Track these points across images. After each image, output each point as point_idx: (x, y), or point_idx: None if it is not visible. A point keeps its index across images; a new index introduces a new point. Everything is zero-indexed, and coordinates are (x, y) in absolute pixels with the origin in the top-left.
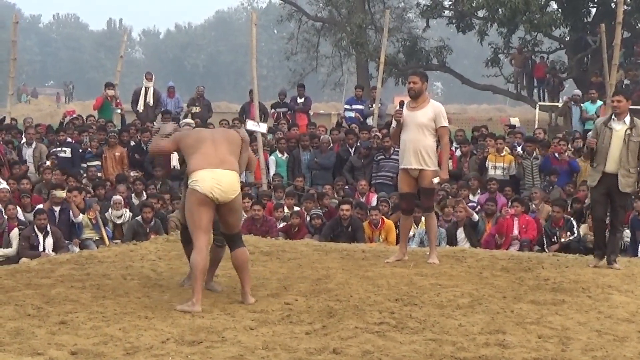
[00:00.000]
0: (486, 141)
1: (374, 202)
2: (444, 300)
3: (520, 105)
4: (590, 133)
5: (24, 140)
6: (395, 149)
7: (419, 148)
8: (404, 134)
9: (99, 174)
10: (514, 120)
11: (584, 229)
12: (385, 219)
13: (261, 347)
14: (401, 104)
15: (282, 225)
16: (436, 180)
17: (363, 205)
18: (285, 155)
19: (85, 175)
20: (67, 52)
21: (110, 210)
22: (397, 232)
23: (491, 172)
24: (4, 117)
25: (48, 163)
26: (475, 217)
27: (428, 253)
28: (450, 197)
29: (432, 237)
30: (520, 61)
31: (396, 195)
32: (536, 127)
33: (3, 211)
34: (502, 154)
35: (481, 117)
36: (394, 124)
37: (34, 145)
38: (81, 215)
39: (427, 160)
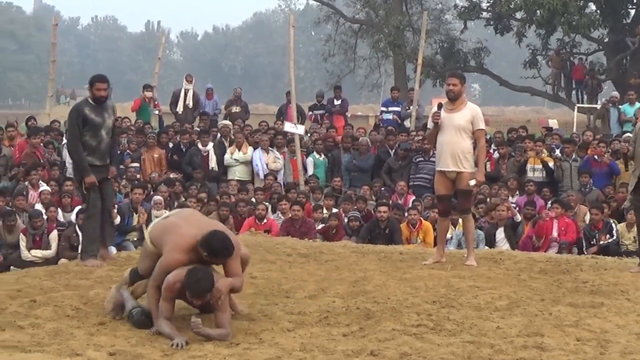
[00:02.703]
0: (524, 143)
1: (411, 204)
2: (481, 302)
3: (558, 107)
4: (630, 136)
5: (64, 141)
6: (434, 152)
7: (457, 150)
8: (441, 136)
9: (138, 176)
10: (552, 123)
11: (621, 228)
12: (423, 220)
13: (298, 349)
14: (439, 106)
15: (320, 227)
16: (473, 182)
17: (400, 206)
18: (323, 156)
19: (124, 176)
20: (106, 54)
21: (151, 210)
22: (435, 233)
23: (530, 174)
24: (30, 117)
25: None
26: (518, 217)
27: (466, 255)
28: (492, 198)
29: (470, 239)
30: (558, 63)
31: (431, 196)
32: (574, 129)
33: (44, 213)
34: (541, 156)
35: (519, 119)
36: (430, 125)
37: None
38: (119, 217)
39: (465, 163)
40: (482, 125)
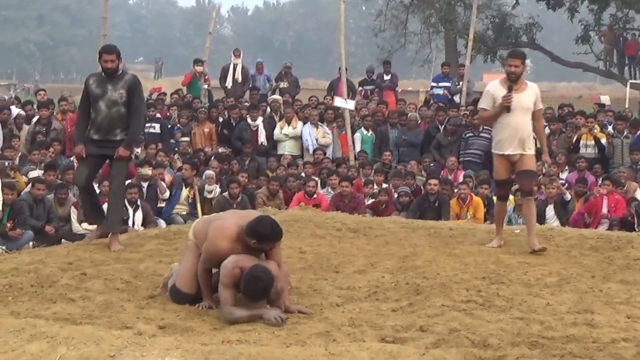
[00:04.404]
0: (576, 119)
1: (461, 180)
2: (531, 278)
3: (610, 83)
4: None
5: None
6: (485, 128)
7: (524, 133)
8: (507, 118)
9: (189, 149)
10: (604, 99)
11: None
12: (473, 196)
13: (347, 324)
14: (510, 88)
15: (369, 202)
16: (546, 164)
17: (449, 181)
18: (371, 132)
19: (176, 149)
20: (156, 29)
21: (201, 184)
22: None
23: (582, 150)
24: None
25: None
26: (568, 196)
27: (517, 231)
28: (543, 175)
29: (532, 222)
30: (610, 38)
31: (483, 173)
32: (626, 105)
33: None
34: (593, 133)
35: (571, 95)
36: (485, 105)
37: None
38: (168, 191)
39: (530, 144)
40: (542, 105)
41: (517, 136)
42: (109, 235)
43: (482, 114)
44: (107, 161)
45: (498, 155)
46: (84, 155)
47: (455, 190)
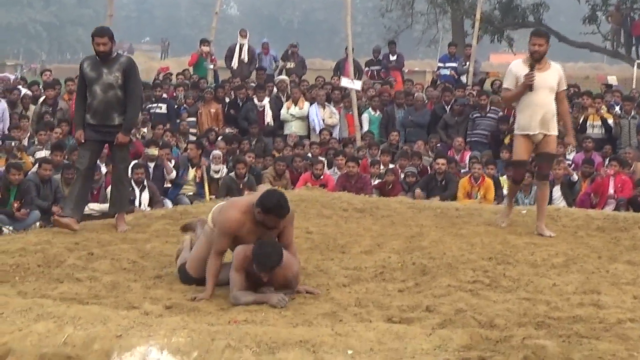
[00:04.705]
0: (583, 99)
1: (468, 160)
2: (538, 259)
3: (618, 63)
4: None
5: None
6: (492, 108)
7: (549, 113)
8: (530, 97)
9: (194, 130)
10: (612, 79)
11: None
12: (485, 177)
13: (354, 304)
14: (532, 66)
15: (376, 182)
16: (570, 147)
17: (454, 160)
18: (378, 112)
19: (179, 130)
20: (163, 9)
21: (209, 164)
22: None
23: (589, 130)
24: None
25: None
26: (575, 177)
27: (524, 212)
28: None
29: (544, 206)
30: (618, 18)
31: (486, 154)
32: (634, 86)
33: (102, 167)
34: (600, 113)
35: (578, 76)
36: (507, 85)
37: None
38: (174, 172)
39: (554, 125)
40: (565, 86)
41: (540, 115)
42: (115, 216)
43: (505, 94)
44: (108, 145)
45: (520, 135)
46: (83, 141)
47: (463, 170)
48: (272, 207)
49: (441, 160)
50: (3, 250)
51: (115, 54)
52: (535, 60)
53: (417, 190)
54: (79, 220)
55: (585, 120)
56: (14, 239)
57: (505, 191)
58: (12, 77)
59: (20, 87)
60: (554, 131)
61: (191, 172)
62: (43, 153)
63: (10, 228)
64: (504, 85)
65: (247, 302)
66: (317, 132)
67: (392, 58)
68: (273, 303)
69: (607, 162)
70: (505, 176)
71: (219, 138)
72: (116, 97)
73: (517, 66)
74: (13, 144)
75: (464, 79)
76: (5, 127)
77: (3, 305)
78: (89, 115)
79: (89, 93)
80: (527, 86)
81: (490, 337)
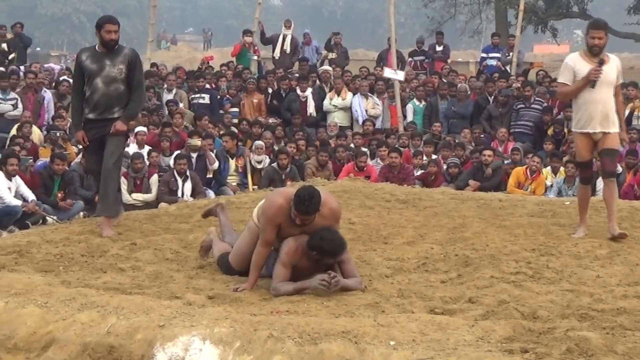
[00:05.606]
0: (628, 90)
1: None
2: (581, 250)
3: None
4: None
5: (165, 86)
6: (537, 99)
7: (609, 109)
8: (590, 94)
9: (235, 120)
10: None
11: None
12: (542, 172)
13: (396, 295)
14: (600, 62)
15: (419, 173)
16: (623, 142)
17: (497, 152)
18: (423, 103)
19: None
20: None
21: (251, 154)
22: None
23: (634, 122)
24: None
25: (181, 106)
26: (619, 169)
27: (567, 203)
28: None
29: (614, 205)
30: None
31: (526, 145)
32: None
33: (145, 156)
34: None
35: (622, 66)
36: (572, 82)
37: (174, 91)
38: (217, 162)
39: (615, 121)
40: (622, 79)
41: (601, 112)
42: (102, 218)
43: (563, 89)
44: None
45: (580, 134)
46: (86, 142)
47: (507, 162)
48: (298, 202)
49: (488, 152)
50: (47, 240)
51: (118, 45)
52: (595, 54)
53: (472, 181)
54: (119, 213)
55: (631, 112)
56: (58, 228)
57: (548, 182)
58: (56, 67)
59: (65, 77)
60: (614, 128)
61: (232, 163)
62: None
63: (55, 218)
64: (560, 80)
65: (287, 292)
66: (360, 122)
67: (439, 49)
68: (315, 285)
69: None
70: (549, 167)
71: (264, 129)
72: (118, 91)
73: (575, 60)
74: (58, 134)
75: (507, 69)
76: (50, 117)
77: (47, 295)
78: (87, 109)
79: (89, 87)
80: (591, 82)
81: (533, 328)
